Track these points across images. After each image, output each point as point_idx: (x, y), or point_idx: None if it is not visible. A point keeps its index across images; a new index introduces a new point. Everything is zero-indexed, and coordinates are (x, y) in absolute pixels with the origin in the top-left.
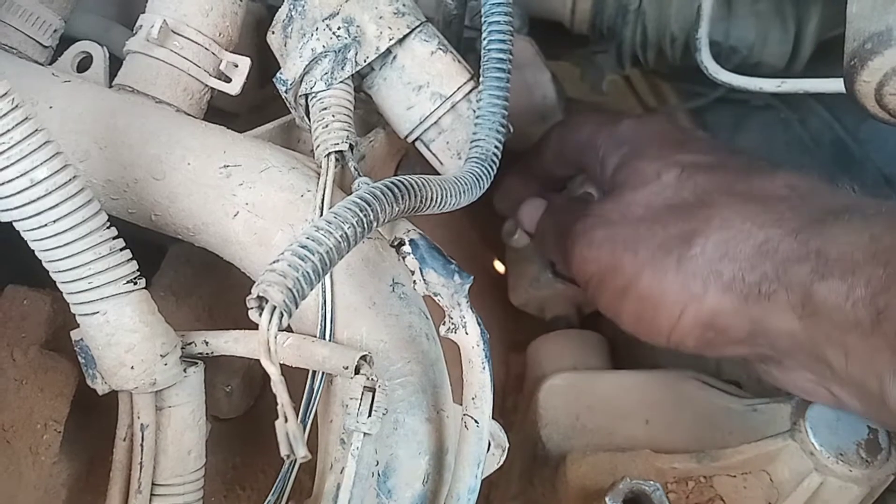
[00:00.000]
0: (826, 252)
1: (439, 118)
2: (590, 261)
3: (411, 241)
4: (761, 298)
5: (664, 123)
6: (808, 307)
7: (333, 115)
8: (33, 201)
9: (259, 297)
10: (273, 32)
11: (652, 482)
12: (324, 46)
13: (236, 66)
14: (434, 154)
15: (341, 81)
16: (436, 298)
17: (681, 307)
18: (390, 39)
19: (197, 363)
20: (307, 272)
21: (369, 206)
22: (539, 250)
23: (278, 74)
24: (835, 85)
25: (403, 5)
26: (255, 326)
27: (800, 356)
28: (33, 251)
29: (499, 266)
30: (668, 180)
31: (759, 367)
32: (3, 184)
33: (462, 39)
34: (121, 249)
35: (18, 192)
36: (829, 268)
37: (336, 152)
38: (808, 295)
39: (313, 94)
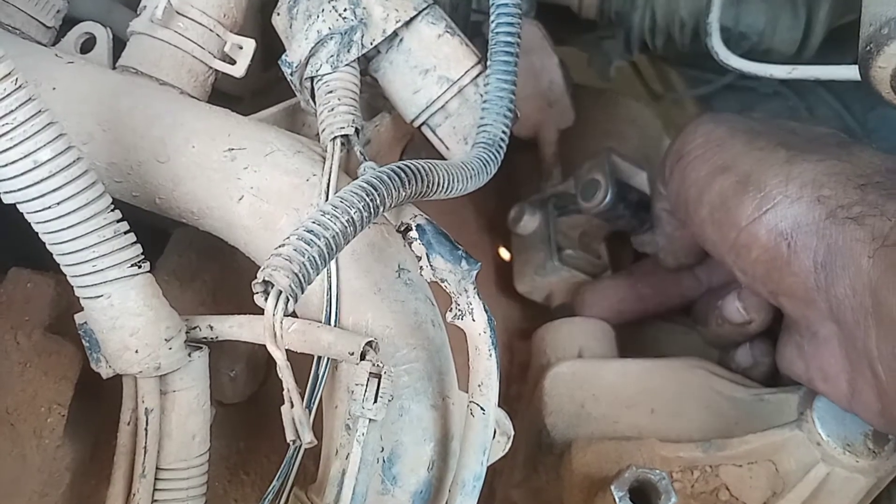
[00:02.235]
0: None
1: (446, 102)
2: (702, 132)
3: (418, 226)
4: (847, 221)
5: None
6: (892, 238)
7: (339, 99)
8: (37, 183)
9: (265, 282)
10: (278, 14)
11: (658, 471)
12: (330, 28)
13: (241, 48)
14: (440, 139)
15: (347, 64)
16: (442, 284)
17: (769, 201)
18: (397, 22)
19: (201, 347)
20: (313, 257)
21: (376, 190)
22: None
23: (283, 57)
24: (847, 72)
25: None
26: (260, 311)
27: (848, 314)
28: (37, 233)
29: (504, 253)
30: (821, 129)
31: (787, 343)
32: (6, 165)
33: (469, 23)
34: (125, 233)
35: (22, 174)
36: None
37: (342, 136)
38: None
39: (319, 77)
